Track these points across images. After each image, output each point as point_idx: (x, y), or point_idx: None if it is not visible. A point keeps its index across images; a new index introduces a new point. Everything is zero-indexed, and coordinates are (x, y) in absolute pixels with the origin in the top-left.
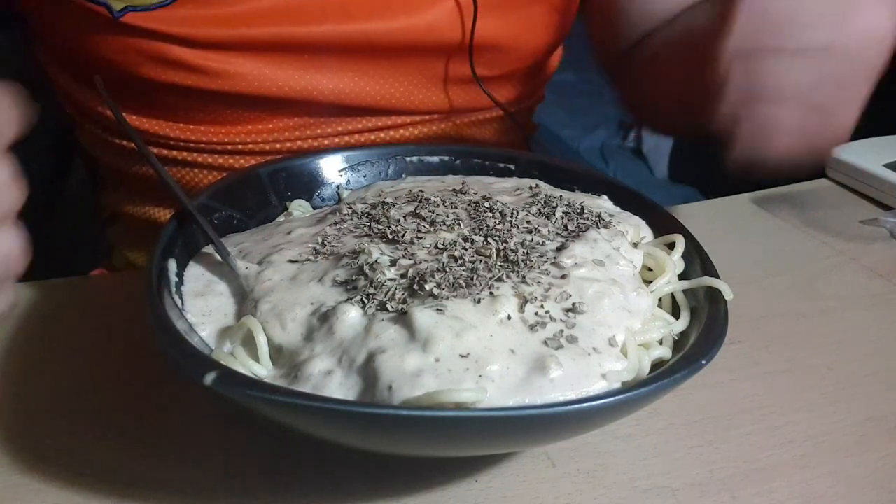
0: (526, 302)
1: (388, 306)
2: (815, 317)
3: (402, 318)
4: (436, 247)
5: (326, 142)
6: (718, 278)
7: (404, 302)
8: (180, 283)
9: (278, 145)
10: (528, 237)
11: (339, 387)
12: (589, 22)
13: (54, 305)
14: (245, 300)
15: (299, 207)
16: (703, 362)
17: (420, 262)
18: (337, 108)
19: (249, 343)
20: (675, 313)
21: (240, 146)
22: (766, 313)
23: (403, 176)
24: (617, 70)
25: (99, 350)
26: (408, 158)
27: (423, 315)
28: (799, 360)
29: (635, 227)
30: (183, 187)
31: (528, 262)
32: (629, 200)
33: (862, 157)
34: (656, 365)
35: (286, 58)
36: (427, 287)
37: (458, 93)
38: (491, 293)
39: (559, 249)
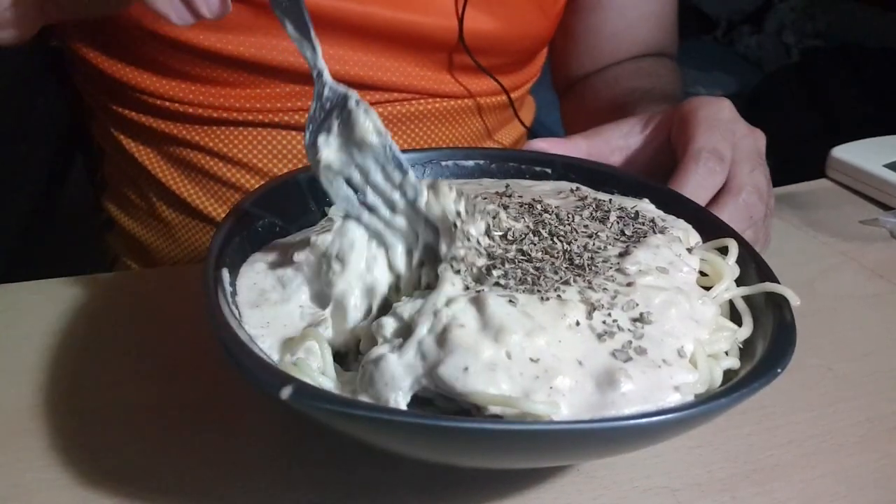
0: (594, 309)
1: (467, 284)
2: (815, 317)
3: (477, 299)
4: (504, 237)
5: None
6: (778, 283)
7: (479, 280)
8: (234, 293)
9: (271, 115)
10: (589, 241)
11: (407, 359)
12: (552, 41)
13: (54, 305)
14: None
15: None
16: (779, 371)
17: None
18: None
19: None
20: (731, 319)
21: (234, 113)
22: None
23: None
24: (564, 90)
25: (98, 350)
26: (443, 163)
27: (496, 302)
28: (799, 360)
29: (685, 232)
30: (178, 146)
31: (594, 267)
32: (671, 204)
33: (862, 157)
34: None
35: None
36: (494, 274)
37: (453, 76)
38: (558, 296)
39: (622, 255)
